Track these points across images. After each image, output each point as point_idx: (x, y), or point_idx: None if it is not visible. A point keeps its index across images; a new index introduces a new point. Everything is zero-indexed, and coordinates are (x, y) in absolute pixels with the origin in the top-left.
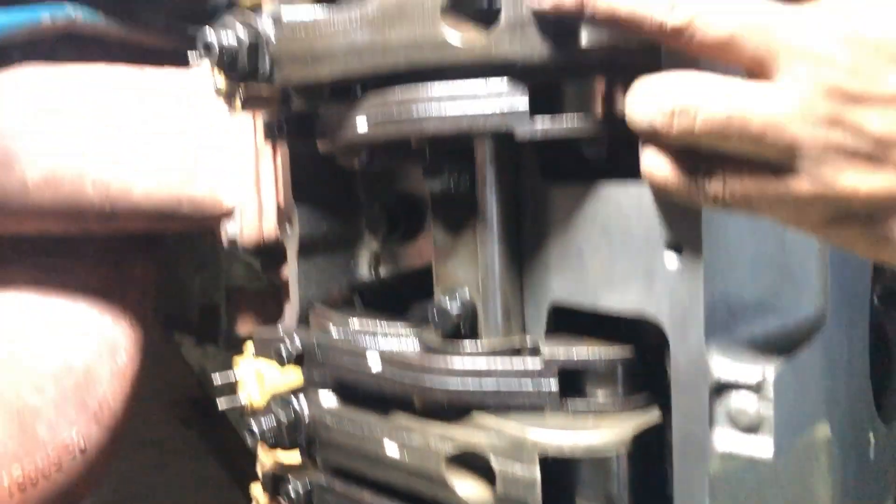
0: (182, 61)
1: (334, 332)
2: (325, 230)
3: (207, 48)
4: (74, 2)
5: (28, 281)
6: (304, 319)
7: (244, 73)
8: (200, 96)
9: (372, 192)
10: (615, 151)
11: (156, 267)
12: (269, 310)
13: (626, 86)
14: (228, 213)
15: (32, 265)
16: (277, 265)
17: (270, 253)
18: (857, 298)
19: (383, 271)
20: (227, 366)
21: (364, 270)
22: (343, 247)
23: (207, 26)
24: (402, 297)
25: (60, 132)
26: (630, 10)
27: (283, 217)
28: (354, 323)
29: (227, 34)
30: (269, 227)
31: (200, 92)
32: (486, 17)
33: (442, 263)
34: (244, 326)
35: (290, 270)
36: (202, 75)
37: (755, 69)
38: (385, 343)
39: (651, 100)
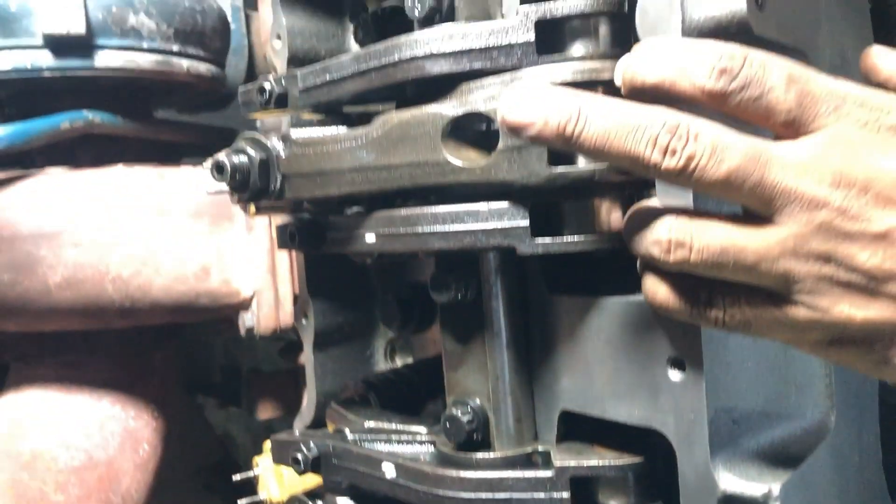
0: (197, 153)
1: (350, 436)
2: (340, 322)
3: (220, 169)
4: (92, 107)
5: (51, 377)
6: (321, 412)
7: (255, 191)
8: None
9: (385, 283)
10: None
11: (176, 355)
12: (288, 392)
13: (625, 201)
14: (245, 304)
15: (55, 362)
16: (295, 352)
17: (288, 339)
18: (866, 388)
19: (399, 360)
20: (251, 428)
21: (380, 360)
22: (359, 337)
23: (221, 151)
24: (417, 388)
25: (80, 234)
26: (621, 149)
27: (299, 310)
28: (370, 426)
29: (238, 156)
30: (286, 316)
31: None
32: (487, 140)
33: (452, 372)
34: (264, 411)
35: (307, 363)
36: None
37: (752, 206)
38: (400, 448)
39: (648, 231)
